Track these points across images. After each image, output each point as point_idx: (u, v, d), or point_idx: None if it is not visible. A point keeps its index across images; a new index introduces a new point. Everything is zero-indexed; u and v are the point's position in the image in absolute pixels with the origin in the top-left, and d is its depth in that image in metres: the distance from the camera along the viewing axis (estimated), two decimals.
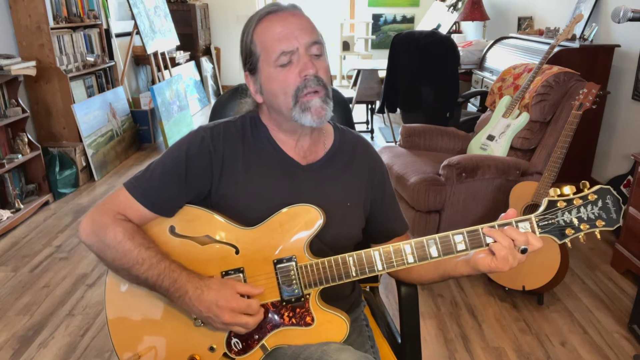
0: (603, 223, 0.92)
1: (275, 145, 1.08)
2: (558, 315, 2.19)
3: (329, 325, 1.03)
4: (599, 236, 0.93)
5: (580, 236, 0.93)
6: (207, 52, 6.71)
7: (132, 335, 1.05)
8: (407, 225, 1.22)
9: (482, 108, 4.07)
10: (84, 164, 3.75)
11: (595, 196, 0.92)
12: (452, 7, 5.59)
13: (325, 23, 7.32)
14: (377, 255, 0.99)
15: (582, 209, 0.92)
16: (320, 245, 1.05)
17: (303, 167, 1.09)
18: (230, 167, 1.05)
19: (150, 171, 1.04)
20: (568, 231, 0.93)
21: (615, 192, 0.92)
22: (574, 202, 0.92)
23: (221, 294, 0.96)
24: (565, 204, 0.92)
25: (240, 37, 1.05)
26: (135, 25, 4.41)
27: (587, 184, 0.92)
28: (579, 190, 0.93)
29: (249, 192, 1.05)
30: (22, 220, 3.11)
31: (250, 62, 1.02)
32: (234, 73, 7.06)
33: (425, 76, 3.57)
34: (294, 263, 1.01)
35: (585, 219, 0.92)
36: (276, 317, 1.03)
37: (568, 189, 0.92)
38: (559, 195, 0.92)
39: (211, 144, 1.04)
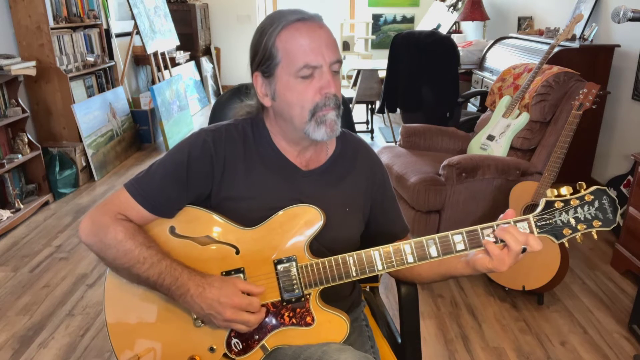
0: (600, 223, 0.93)
1: (277, 150, 1.08)
2: (558, 315, 2.19)
3: (329, 325, 1.03)
4: (595, 236, 0.94)
5: (577, 236, 0.94)
6: (207, 52, 6.72)
7: (131, 336, 1.05)
8: (407, 228, 1.21)
9: (482, 108, 4.07)
10: (84, 164, 3.75)
11: (592, 197, 0.93)
12: (452, 7, 5.59)
13: (325, 23, 7.30)
14: (377, 255, 0.99)
15: (579, 210, 0.93)
16: (319, 247, 1.06)
17: (304, 172, 1.09)
18: (231, 170, 1.05)
19: (151, 173, 1.04)
20: (565, 231, 0.93)
21: (611, 193, 0.93)
22: (571, 202, 0.93)
23: (223, 291, 0.96)
24: (562, 204, 0.93)
25: (254, 35, 1.02)
26: (135, 25, 4.41)
27: (584, 184, 0.93)
28: (575, 191, 0.94)
29: (249, 196, 1.05)
30: (22, 220, 3.11)
31: (266, 64, 1.00)
32: (234, 73, 7.06)
33: (425, 76, 3.57)
34: (294, 263, 1.01)
35: (582, 219, 0.93)
36: (276, 317, 1.03)
37: (565, 190, 0.92)
38: (556, 196, 0.93)
39: (213, 147, 1.04)
